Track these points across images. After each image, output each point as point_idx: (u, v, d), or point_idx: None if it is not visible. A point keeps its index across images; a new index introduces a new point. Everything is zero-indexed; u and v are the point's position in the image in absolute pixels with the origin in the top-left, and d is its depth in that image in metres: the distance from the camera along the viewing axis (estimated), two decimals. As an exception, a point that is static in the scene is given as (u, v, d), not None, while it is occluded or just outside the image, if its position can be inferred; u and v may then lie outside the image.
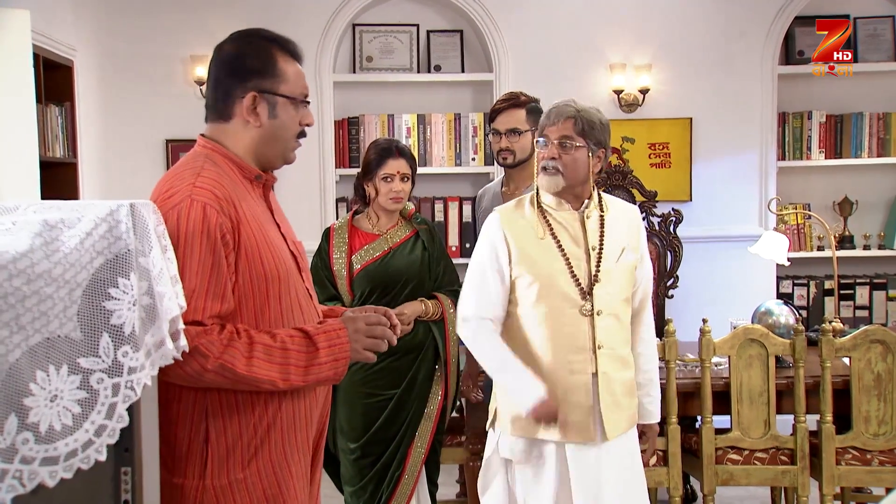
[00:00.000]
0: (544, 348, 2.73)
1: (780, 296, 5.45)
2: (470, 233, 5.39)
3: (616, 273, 2.78)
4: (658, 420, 2.98)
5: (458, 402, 3.71)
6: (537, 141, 2.79)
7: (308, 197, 5.49)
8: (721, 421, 3.69)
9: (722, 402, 3.64)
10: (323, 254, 3.50)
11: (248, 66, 2.00)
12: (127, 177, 5.39)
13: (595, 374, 2.73)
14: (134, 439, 1.56)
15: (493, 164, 5.45)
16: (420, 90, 5.62)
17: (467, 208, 5.43)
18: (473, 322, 2.77)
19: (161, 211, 1.77)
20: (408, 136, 5.41)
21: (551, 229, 2.78)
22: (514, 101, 3.48)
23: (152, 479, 1.61)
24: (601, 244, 2.79)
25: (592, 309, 2.72)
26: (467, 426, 3.86)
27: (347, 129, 5.49)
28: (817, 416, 3.67)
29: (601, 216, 2.82)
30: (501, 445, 2.82)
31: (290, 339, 1.89)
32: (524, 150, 3.48)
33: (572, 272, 2.74)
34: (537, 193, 2.84)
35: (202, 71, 5.36)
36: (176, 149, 5.44)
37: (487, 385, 3.62)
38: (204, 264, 1.81)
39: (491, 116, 3.53)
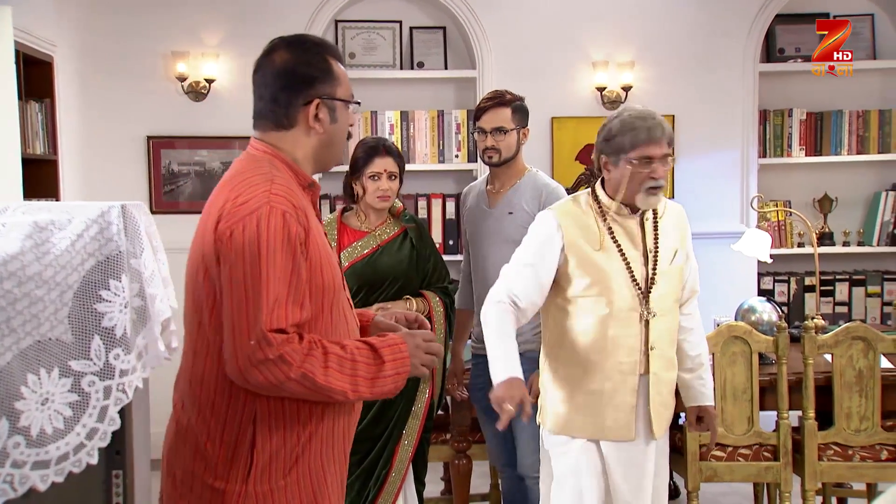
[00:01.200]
0: (597, 348, 2.74)
1: (761, 292, 5.49)
2: (453, 230, 5.39)
3: (669, 275, 2.80)
4: (713, 403, 3.01)
5: (444, 400, 3.71)
6: (632, 161, 2.68)
7: (291, 194, 5.46)
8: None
9: (706, 398, 3.66)
10: (310, 251, 3.48)
11: (308, 73, 1.98)
12: (108, 174, 5.35)
13: (643, 375, 2.77)
14: (125, 442, 1.55)
15: (477, 162, 5.44)
16: (403, 87, 5.61)
17: (451, 205, 5.43)
18: (493, 304, 2.76)
19: (234, 217, 1.79)
20: (391, 133, 5.40)
21: (611, 231, 2.78)
22: (499, 99, 3.48)
23: (144, 482, 1.60)
24: (656, 247, 2.80)
25: (648, 312, 2.74)
26: (452, 424, 3.86)
27: (330, 125, 5.47)
28: (799, 413, 3.70)
29: (656, 220, 2.83)
30: (545, 438, 2.90)
31: (358, 350, 1.90)
32: (509, 149, 3.47)
33: (632, 275, 2.75)
34: (594, 196, 2.82)
35: (183, 67, 5.33)
36: (157, 145, 5.40)
37: (473, 384, 3.63)
38: (286, 272, 1.80)
39: (476, 115, 3.53)
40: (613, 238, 2.77)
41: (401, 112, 5.46)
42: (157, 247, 1.66)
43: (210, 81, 5.39)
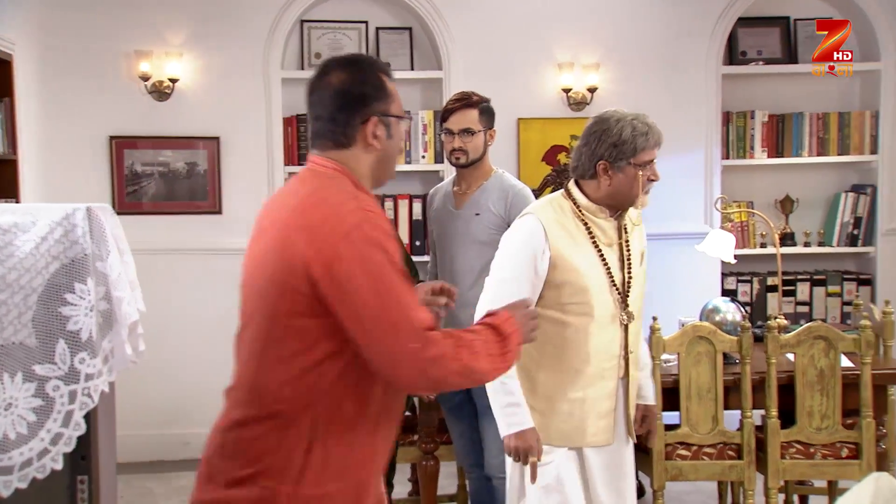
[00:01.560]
0: (580, 355, 2.73)
1: (724, 292, 5.55)
2: (420, 230, 5.39)
3: (639, 277, 2.83)
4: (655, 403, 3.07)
5: (412, 402, 3.71)
6: (639, 164, 2.72)
7: (256, 195, 5.40)
8: (670, 417, 3.75)
9: (671, 398, 3.69)
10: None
11: (364, 92, 2.02)
12: (69, 174, 5.29)
13: (622, 378, 2.79)
14: (91, 447, 1.53)
15: (444, 162, 5.44)
16: (369, 87, 5.59)
17: (417, 206, 5.42)
18: None
19: (337, 235, 1.84)
20: (357, 134, 5.37)
21: (592, 236, 2.77)
22: (467, 100, 3.49)
23: (110, 488, 1.58)
24: (629, 250, 2.82)
25: (627, 315, 2.77)
26: (420, 425, 3.86)
27: (296, 126, 5.45)
28: (763, 412, 3.75)
29: (624, 223, 2.84)
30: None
31: (485, 333, 1.97)
32: (477, 150, 3.49)
33: (612, 280, 2.76)
34: (572, 199, 2.79)
35: (147, 66, 5.28)
36: (120, 146, 5.34)
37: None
38: (402, 278, 1.88)
39: (443, 116, 3.53)
40: (594, 243, 2.77)
41: (367, 113, 5.44)
42: (124, 249, 1.64)
43: (174, 81, 5.34)
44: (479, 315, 2.73)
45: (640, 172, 2.70)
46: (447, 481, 4.43)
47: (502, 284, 2.73)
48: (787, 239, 5.63)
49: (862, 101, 5.86)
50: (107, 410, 1.58)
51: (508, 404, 2.67)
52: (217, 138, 5.42)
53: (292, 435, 1.89)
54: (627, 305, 2.77)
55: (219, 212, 5.44)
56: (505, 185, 3.52)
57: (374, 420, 1.97)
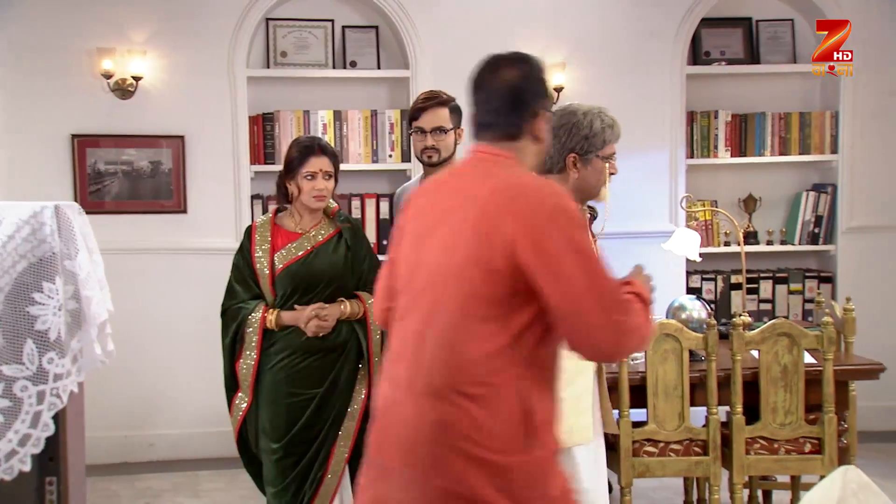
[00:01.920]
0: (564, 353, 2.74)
1: (689, 290, 5.60)
2: (387, 230, 5.37)
3: None
4: None
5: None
6: (605, 157, 2.78)
7: (222, 194, 5.40)
8: (637, 414, 3.78)
9: (639, 396, 3.72)
10: (245, 252, 3.44)
11: (537, 88, 2.19)
12: (31, 173, 5.22)
13: (595, 373, 2.83)
14: (59, 448, 1.51)
15: (411, 162, 5.44)
16: (336, 86, 5.58)
17: (384, 205, 5.42)
18: None
19: (541, 215, 1.98)
20: (324, 133, 5.36)
21: None
22: (437, 99, 3.50)
23: (79, 489, 1.56)
24: (593, 238, 2.88)
25: None
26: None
27: (262, 125, 5.42)
28: (728, 408, 3.79)
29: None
30: None
31: (636, 300, 2.11)
32: (448, 149, 3.50)
33: None
34: None
35: (109, 64, 5.22)
36: (83, 144, 5.27)
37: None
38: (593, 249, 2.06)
39: (414, 115, 3.53)
40: None
41: (334, 112, 5.43)
42: (93, 248, 1.62)
43: (137, 79, 5.28)
44: None
45: (604, 164, 2.72)
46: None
47: None
48: (750, 237, 5.70)
49: (822, 102, 5.94)
50: (76, 411, 1.56)
51: None
52: (182, 137, 5.37)
53: (507, 405, 1.98)
54: None
55: (184, 211, 5.39)
56: (474, 183, 3.53)
57: (555, 381, 2.12)
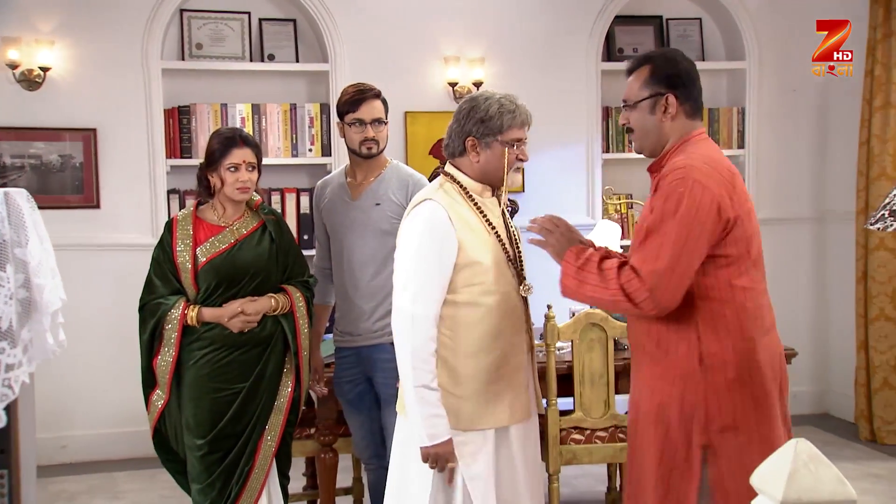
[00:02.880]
0: (493, 334, 2.74)
1: (606, 282, 5.71)
2: (308, 224, 5.33)
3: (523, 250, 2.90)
4: None
5: (310, 394, 3.67)
6: (506, 142, 2.75)
7: (137, 189, 5.27)
8: (564, 403, 3.84)
9: (566, 384, 3.78)
10: (165, 246, 3.35)
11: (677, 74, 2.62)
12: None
13: (528, 352, 2.85)
14: (11, 440, 1.45)
15: (331, 156, 5.42)
16: (253, 79, 5.51)
17: (304, 199, 5.37)
18: (421, 322, 2.68)
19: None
20: (242, 126, 5.28)
21: (483, 214, 2.79)
22: (374, 91, 3.49)
23: (30, 482, 1.51)
24: (514, 227, 2.90)
25: (525, 289, 2.82)
26: (318, 418, 3.83)
27: (178, 118, 5.30)
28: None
29: (503, 205, 2.90)
30: None
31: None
32: (385, 140, 3.50)
33: (507, 256, 2.79)
34: (456, 182, 2.81)
35: (15, 54, 5.04)
36: (-12, 137, 5.07)
37: (339, 377, 3.61)
38: None
39: (349, 107, 3.49)
40: (488, 221, 2.80)
41: (252, 105, 5.36)
42: (43, 236, 1.57)
43: (45, 70, 5.11)
44: (398, 309, 2.72)
45: (507, 150, 2.76)
46: (342, 475, 4.41)
47: (420, 272, 2.70)
48: (663, 230, 5.84)
49: (729, 98, 6.14)
50: (27, 402, 1.51)
51: (432, 415, 2.65)
52: (93, 130, 5.21)
53: (682, 343, 2.54)
54: (524, 279, 2.84)
55: (97, 206, 5.24)
56: (403, 174, 3.54)
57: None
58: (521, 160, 2.81)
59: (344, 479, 4.44)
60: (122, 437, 5.22)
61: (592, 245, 2.74)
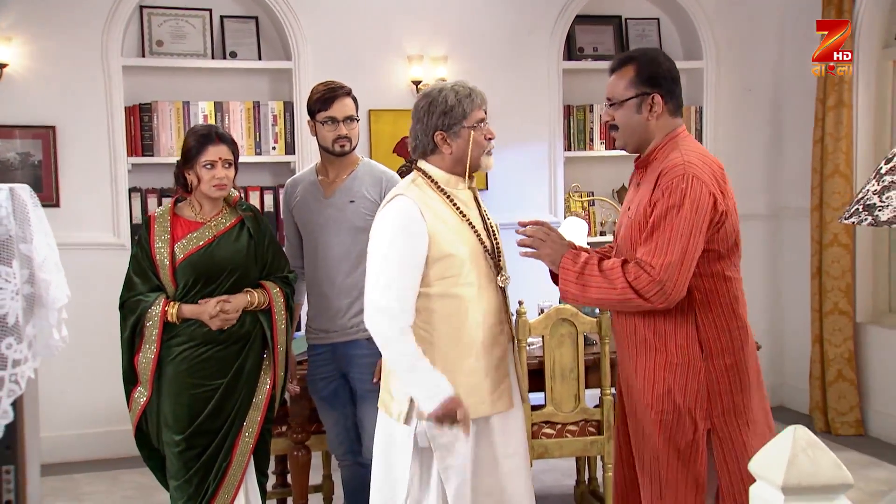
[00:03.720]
0: (473, 325, 2.76)
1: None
2: (273, 222, 5.30)
3: (501, 241, 2.92)
4: None
5: (285, 392, 3.66)
6: (473, 126, 2.79)
7: (98, 187, 5.20)
8: (536, 398, 3.88)
9: (537, 379, 3.82)
10: (144, 243, 3.33)
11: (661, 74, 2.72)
12: None
13: (510, 342, 2.87)
14: (17, 436, 1.44)
15: (295, 154, 5.40)
16: (215, 77, 5.46)
17: (269, 198, 5.35)
18: (396, 317, 2.70)
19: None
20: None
21: (457, 208, 2.81)
22: (345, 89, 3.49)
23: (35, 478, 1.50)
24: (488, 216, 2.92)
25: (503, 279, 2.85)
26: (291, 416, 3.82)
27: (139, 115, 5.24)
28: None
29: (476, 194, 2.93)
30: (419, 436, 2.75)
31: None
32: (357, 138, 3.52)
33: (484, 247, 2.81)
34: (428, 177, 2.83)
35: (-28, 50, 4.94)
36: (-57, 134, 4.96)
37: (312, 374, 3.61)
38: None
39: (320, 105, 3.49)
40: (461, 213, 2.82)
41: (215, 103, 5.32)
42: (48, 231, 1.56)
43: (2, 66, 5.02)
44: (370, 302, 2.74)
45: (474, 133, 2.80)
46: (312, 473, 4.40)
47: (392, 266, 2.72)
48: (624, 227, 5.93)
49: (687, 97, 6.13)
50: (32, 398, 1.50)
51: (428, 378, 2.67)
52: (53, 127, 5.13)
53: (682, 334, 2.66)
54: (501, 269, 2.86)
55: (56, 205, 5.15)
56: (376, 171, 3.55)
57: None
58: (490, 138, 2.86)
59: (315, 476, 4.43)
60: (82, 438, 5.16)
61: (580, 248, 2.80)
